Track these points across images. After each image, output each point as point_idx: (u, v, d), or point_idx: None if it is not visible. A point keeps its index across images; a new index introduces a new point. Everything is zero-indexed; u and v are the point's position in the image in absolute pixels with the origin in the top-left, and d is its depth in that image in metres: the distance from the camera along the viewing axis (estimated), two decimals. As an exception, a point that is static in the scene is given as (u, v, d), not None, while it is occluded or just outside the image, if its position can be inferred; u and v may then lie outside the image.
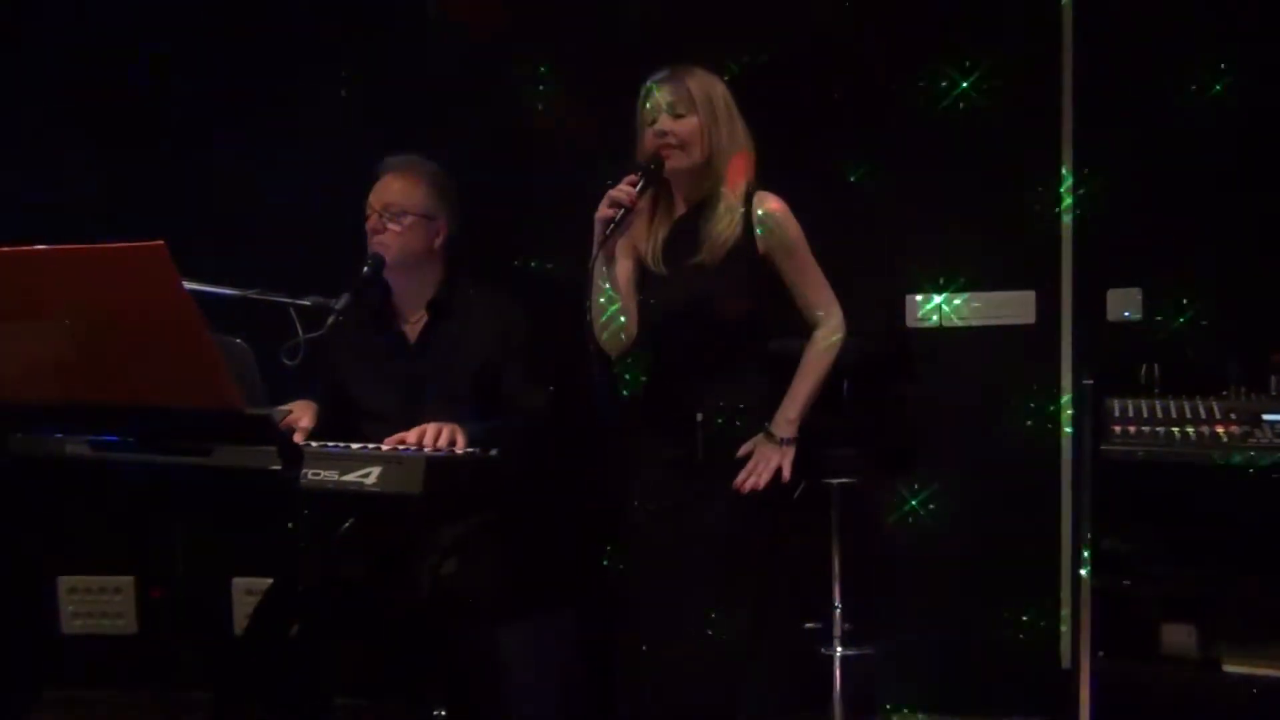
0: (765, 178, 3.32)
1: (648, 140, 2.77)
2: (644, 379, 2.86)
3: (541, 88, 3.61)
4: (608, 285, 2.74)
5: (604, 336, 2.77)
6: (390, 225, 3.02)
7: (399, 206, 3.03)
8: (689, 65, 2.81)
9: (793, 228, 2.77)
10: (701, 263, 2.74)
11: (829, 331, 2.79)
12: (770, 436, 2.75)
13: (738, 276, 2.74)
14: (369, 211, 3.06)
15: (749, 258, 2.75)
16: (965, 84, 3.43)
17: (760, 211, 2.75)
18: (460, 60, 3.62)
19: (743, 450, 2.75)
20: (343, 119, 3.61)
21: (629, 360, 3.19)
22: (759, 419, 2.77)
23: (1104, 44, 3.38)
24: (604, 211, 2.67)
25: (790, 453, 2.74)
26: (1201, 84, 3.33)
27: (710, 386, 2.77)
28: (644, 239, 2.83)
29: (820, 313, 2.79)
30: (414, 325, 3.11)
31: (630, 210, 2.67)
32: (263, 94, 3.66)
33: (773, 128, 3.28)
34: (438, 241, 3.09)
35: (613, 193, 2.67)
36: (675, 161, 2.74)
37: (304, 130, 3.63)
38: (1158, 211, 3.37)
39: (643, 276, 2.83)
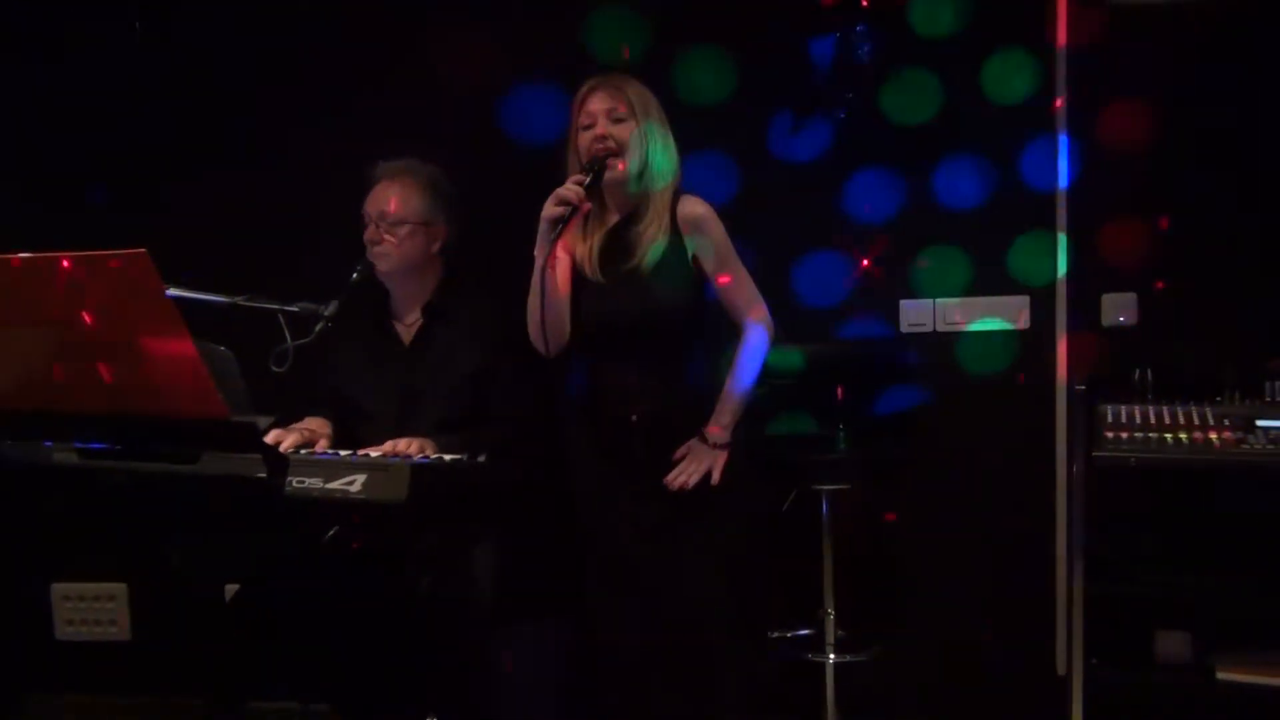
0: (755, 181, 3.34)
1: (583, 142, 2.79)
2: (583, 382, 2.86)
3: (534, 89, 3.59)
4: (552, 285, 2.75)
5: (542, 335, 2.78)
6: (387, 235, 3.01)
7: (396, 215, 3.01)
8: (623, 73, 2.85)
9: (715, 229, 2.79)
10: (634, 269, 2.76)
11: (754, 332, 2.80)
12: (703, 439, 2.76)
13: (670, 281, 2.76)
14: (366, 220, 3.05)
15: (680, 261, 2.77)
16: (960, 83, 3.41)
17: (683, 214, 2.78)
18: (455, 61, 3.60)
19: (677, 454, 2.77)
20: (337, 121, 3.59)
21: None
22: (696, 420, 2.79)
23: (1099, 44, 3.36)
24: (552, 210, 2.68)
25: (722, 457, 2.76)
26: (1198, 87, 3.31)
27: (646, 389, 2.78)
28: (579, 245, 2.86)
29: (744, 314, 2.81)
30: (409, 328, 3.11)
31: (577, 209, 2.69)
32: (256, 97, 3.64)
33: (761, 130, 3.30)
34: (435, 246, 3.09)
35: (561, 191, 2.68)
36: (613, 170, 2.76)
37: (297, 133, 3.60)
38: (1152, 216, 3.36)
39: (579, 281, 2.86)
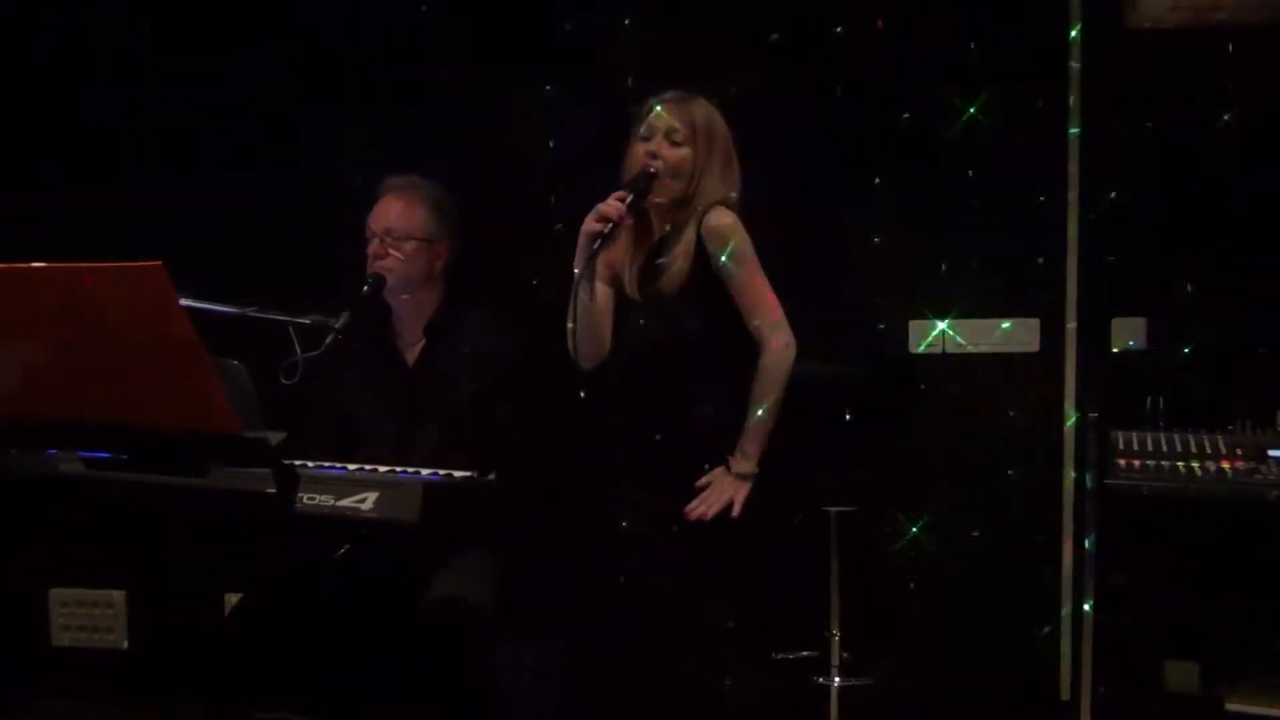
0: (764, 203, 3.32)
1: (637, 153, 2.75)
2: (613, 399, 2.84)
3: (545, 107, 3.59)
4: (588, 299, 2.72)
5: (580, 350, 2.72)
6: (391, 251, 2.99)
7: (400, 231, 3.01)
8: (697, 93, 2.79)
9: (739, 239, 2.69)
10: (666, 289, 2.72)
11: (775, 352, 2.69)
12: (728, 469, 2.71)
13: (698, 302, 2.71)
14: (369, 235, 3.04)
15: (709, 280, 2.71)
16: (971, 109, 3.40)
17: (707, 225, 2.70)
18: (462, 79, 3.60)
19: (700, 481, 2.72)
20: (344, 135, 3.58)
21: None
22: (721, 444, 2.73)
23: (1111, 71, 3.36)
24: (592, 225, 2.64)
25: (745, 488, 2.69)
26: (1208, 113, 3.30)
27: (673, 409, 2.75)
28: (622, 263, 2.82)
29: (766, 331, 2.70)
30: (412, 347, 3.09)
31: (618, 226, 2.65)
32: (264, 111, 3.63)
33: (773, 153, 3.28)
34: (439, 264, 3.08)
35: (603, 207, 2.64)
36: (657, 194, 2.73)
37: (305, 147, 3.59)
38: (1163, 240, 3.35)
39: (619, 298, 2.83)
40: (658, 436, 2.74)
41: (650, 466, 2.77)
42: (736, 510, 2.68)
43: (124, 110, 3.69)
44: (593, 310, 2.75)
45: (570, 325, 2.68)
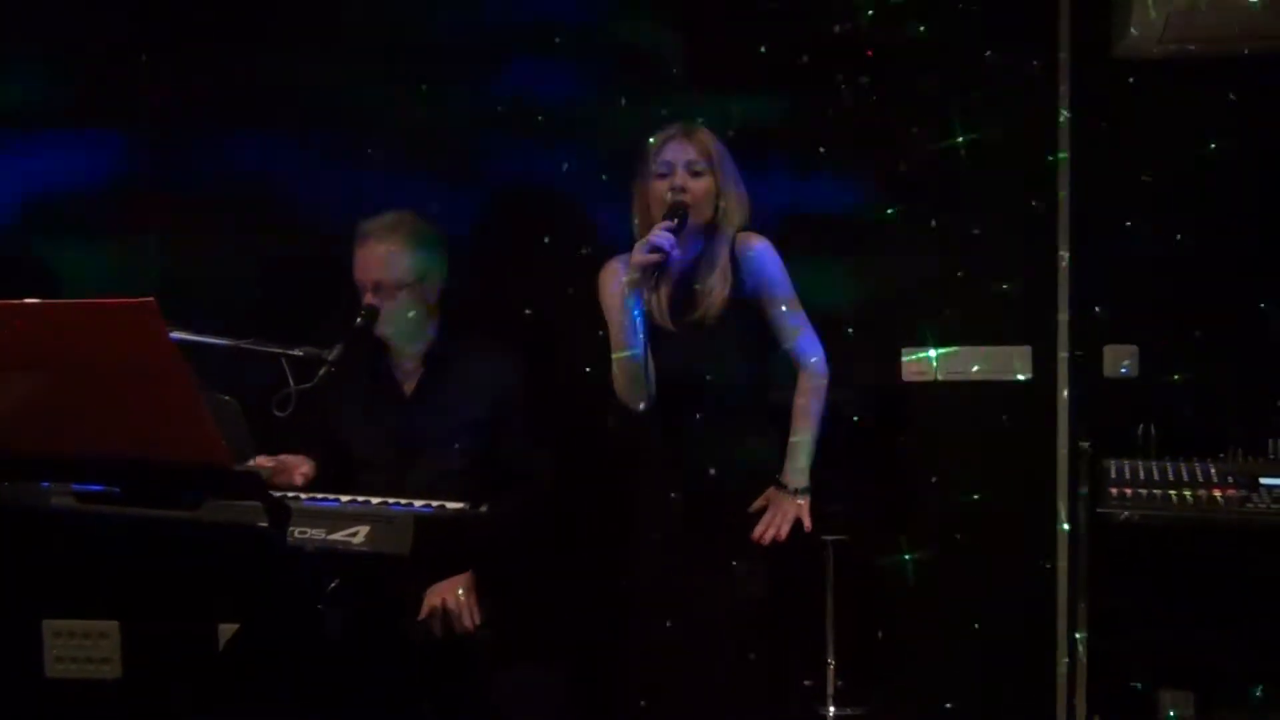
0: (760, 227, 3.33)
1: (658, 190, 2.75)
2: (653, 433, 2.82)
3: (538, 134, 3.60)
4: (642, 338, 2.68)
5: (634, 392, 2.73)
6: (386, 303, 2.96)
7: (389, 282, 2.96)
8: (697, 123, 2.82)
9: (773, 265, 2.77)
10: (700, 319, 2.73)
11: (812, 374, 2.78)
12: (783, 488, 2.73)
13: (737, 330, 2.75)
14: (360, 288, 3.00)
15: (745, 308, 2.74)
16: (962, 137, 3.41)
17: (742, 252, 2.76)
18: (453, 106, 3.61)
19: (755, 505, 2.73)
20: (338, 166, 3.59)
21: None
22: (766, 471, 2.75)
23: (1101, 98, 3.38)
24: (645, 258, 2.63)
25: (806, 502, 2.73)
26: (1200, 140, 3.32)
27: (718, 441, 2.76)
28: (650, 294, 2.80)
29: (803, 355, 2.78)
30: (410, 378, 3.08)
31: (669, 255, 2.63)
32: (257, 140, 3.63)
33: (765, 176, 3.30)
34: (433, 298, 3.06)
35: (654, 238, 2.62)
36: (693, 217, 2.74)
37: (298, 178, 3.59)
38: (1155, 268, 3.36)
39: (652, 331, 2.81)
40: (711, 471, 2.74)
41: (703, 500, 2.75)
42: (808, 524, 2.71)
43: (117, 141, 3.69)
44: (646, 347, 2.70)
45: (622, 369, 2.69)
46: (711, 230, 2.78)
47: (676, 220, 2.68)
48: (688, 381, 2.76)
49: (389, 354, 3.11)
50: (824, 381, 2.78)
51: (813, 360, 2.78)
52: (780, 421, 2.82)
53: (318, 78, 3.56)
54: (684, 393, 2.77)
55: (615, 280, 2.77)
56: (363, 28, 3.57)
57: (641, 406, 2.75)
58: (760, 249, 2.76)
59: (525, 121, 3.48)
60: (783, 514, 2.72)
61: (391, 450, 3.02)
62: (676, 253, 2.66)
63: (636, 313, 2.65)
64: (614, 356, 2.74)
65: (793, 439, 2.75)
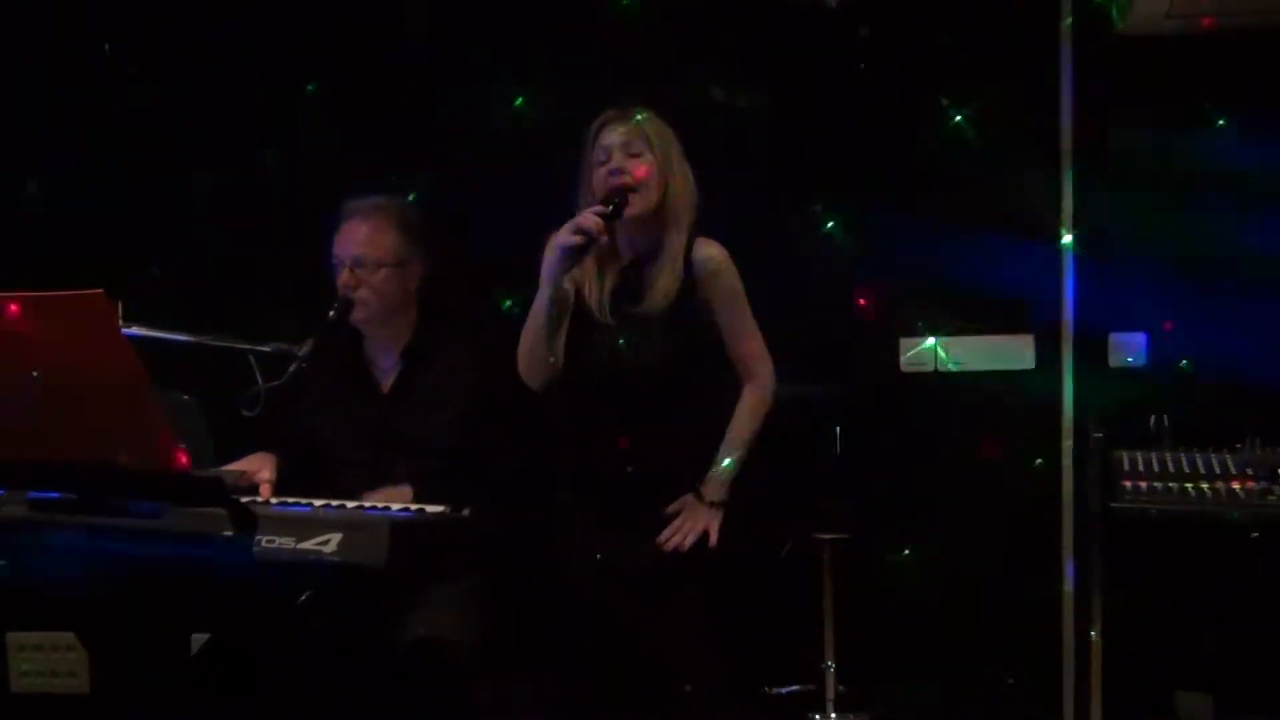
0: (753, 219, 3.24)
1: (599, 179, 2.67)
2: (579, 427, 2.72)
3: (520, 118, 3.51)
4: (552, 317, 2.60)
5: (532, 369, 2.65)
6: (364, 280, 2.86)
7: (370, 259, 2.87)
8: (639, 105, 2.72)
9: (730, 275, 2.68)
10: (644, 313, 2.64)
11: (757, 389, 2.68)
12: (699, 497, 2.63)
13: (680, 328, 2.64)
14: (337, 265, 2.90)
15: (692, 308, 2.65)
16: (962, 119, 3.33)
17: (699, 257, 2.66)
18: (436, 91, 3.53)
19: (671, 508, 2.64)
20: (312, 152, 3.50)
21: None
22: (694, 473, 2.65)
23: (1105, 82, 3.32)
24: (568, 239, 2.54)
25: (718, 515, 2.63)
26: (1205, 122, 3.26)
27: (647, 438, 2.65)
28: (591, 284, 2.72)
29: (751, 368, 2.69)
30: (387, 374, 2.97)
31: (595, 240, 2.55)
32: (230, 130, 3.55)
33: (763, 167, 3.22)
34: (412, 285, 2.95)
35: (580, 220, 2.55)
36: (631, 207, 2.63)
37: (270, 166, 3.52)
38: (1162, 252, 3.29)
39: (583, 321, 2.71)
40: (629, 469, 2.64)
41: (627, 495, 2.66)
42: (714, 540, 2.61)
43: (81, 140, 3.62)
44: (555, 329, 2.62)
45: (530, 344, 2.62)
46: (663, 221, 2.68)
47: (612, 207, 2.59)
48: (626, 376, 2.66)
49: (365, 350, 2.99)
50: (768, 396, 2.68)
51: (759, 374, 2.69)
52: (711, 430, 2.70)
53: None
54: (612, 388, 2.67)
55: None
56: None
57: (535, 387, 2.67)
58: (718, 257, 2.67)
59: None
60: (692, 523, 2.62)
61: (370, 448, 2.91)
62: (604, 238, 2.58)
63: (549, 292, 2.57)
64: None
65: (721, 450, 2.66)
